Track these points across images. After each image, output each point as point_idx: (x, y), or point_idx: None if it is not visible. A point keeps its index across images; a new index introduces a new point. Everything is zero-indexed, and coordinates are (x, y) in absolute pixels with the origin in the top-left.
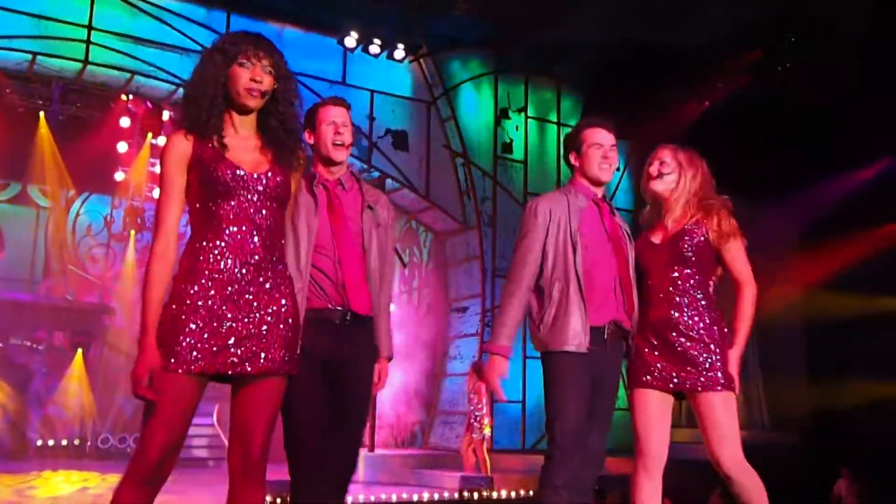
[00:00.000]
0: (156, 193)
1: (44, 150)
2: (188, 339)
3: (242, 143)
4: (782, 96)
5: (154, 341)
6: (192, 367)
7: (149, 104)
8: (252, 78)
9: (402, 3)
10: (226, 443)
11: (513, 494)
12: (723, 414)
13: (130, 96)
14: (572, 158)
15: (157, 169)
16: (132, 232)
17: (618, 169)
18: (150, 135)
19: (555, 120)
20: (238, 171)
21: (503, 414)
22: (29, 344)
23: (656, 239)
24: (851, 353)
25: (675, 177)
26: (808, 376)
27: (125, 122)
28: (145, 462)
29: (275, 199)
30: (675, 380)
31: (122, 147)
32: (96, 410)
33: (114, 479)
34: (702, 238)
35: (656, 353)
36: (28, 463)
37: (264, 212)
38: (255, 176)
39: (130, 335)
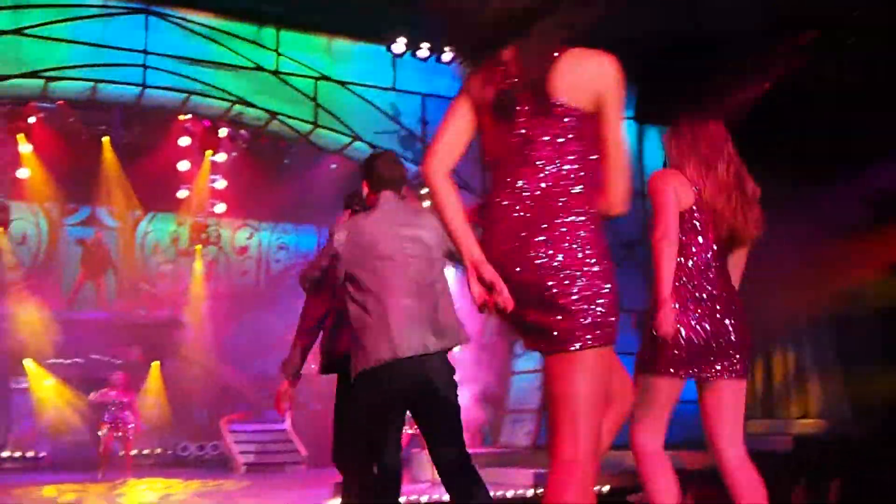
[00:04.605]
0: (217, 209)
1: (109, 174)
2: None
3: None
4: (845, 74)
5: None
6: None
7: (206, 123)
8: None
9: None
10: (300, 449)
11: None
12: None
13: (188, 116)
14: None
15: (217, 185)
16: (198, 247)
17: None
18: (208, 152)
19: None
20: None
21: None
22: (107, 359)
23: None
24: None
25: None
26: (887, 363)
27: (184, 141)
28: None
29: None
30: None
31: (182, 166)
32: (173, 420)
33: (195, 486)
34: None
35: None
36: (112, 472)
37: None
38: None
39: (202, 347)
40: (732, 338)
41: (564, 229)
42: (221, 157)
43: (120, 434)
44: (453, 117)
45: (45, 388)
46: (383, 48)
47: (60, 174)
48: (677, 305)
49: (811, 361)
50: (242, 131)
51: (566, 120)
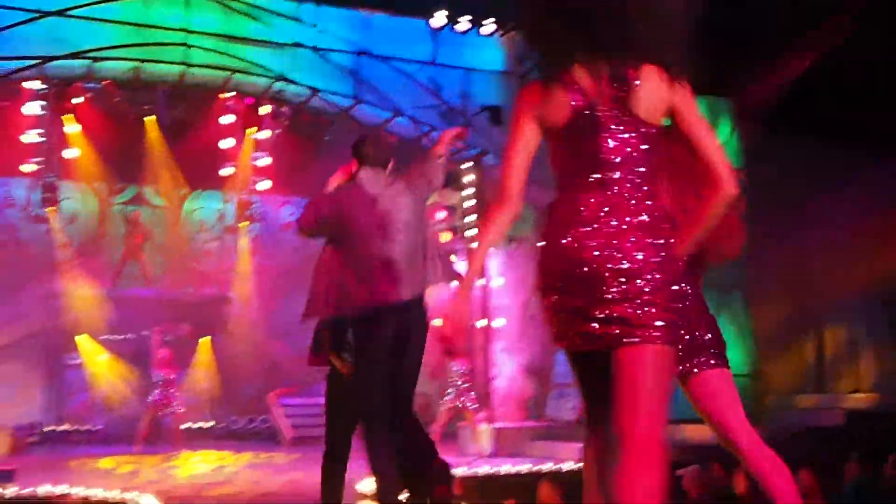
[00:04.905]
0: (261, 186)
1: (155, 153)
2: None
3: None
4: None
5: None
6: None
7: (248, 100)
8: None
9: None
10: None
11: None
12: None
13: (230, 94)
14: None
15: (261, 162)
16: (243, 224)
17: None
18: (251, 130)
19: None
20: None
21: None
22: (157, 335)
23: None
24: None
25: None
26: None
27: (227, 119)
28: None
29: None
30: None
31: (226, 143)
32: (223, 394)
33: (247, 458)
34: None
35: None
36: (165, 445)
37: None
38: None
39: (249, 323)
40: (707, 338)
41: (649, 240)
42: (264, 134)
43: (169, 410)
44: (519, 138)
45: (98, 363)
46: (423, 22)
47: (108, 154)
48: None
49: (864, 335)
50: (284, 108)
51: (643, 134)
